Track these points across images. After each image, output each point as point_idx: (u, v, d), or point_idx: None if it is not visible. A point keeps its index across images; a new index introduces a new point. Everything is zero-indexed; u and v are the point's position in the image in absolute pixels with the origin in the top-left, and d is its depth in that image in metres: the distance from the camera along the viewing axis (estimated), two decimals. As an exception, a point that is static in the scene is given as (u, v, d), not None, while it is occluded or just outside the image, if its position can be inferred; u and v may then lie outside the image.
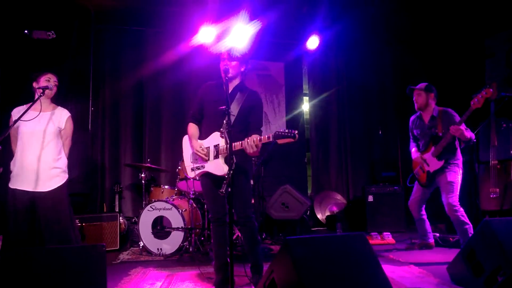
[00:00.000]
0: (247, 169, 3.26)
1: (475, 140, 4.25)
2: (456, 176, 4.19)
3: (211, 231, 3.38)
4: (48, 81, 3.39)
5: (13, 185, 3.31)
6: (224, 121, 2.79)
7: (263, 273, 3.13)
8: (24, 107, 3.33)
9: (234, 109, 3.15)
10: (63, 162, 3.49)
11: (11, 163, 3.37)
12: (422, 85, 4.39)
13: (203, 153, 3.15)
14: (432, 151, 4.26)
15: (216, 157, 3.11)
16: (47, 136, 3.36)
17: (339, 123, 7.08)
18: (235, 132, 3.03)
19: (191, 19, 5.92)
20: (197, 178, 3.37)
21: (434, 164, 4.26)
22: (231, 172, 2.69)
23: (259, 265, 3.29)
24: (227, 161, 2.97)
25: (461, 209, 4.10)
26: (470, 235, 3.99)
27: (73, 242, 3.39)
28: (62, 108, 3.57)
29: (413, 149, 4.58)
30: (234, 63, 3.21)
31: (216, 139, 3.11)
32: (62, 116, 3.49)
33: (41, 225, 3.29)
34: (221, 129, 2.94)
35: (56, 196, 3.35)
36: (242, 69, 3.29)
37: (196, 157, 3.26)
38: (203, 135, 3.29)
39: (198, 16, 5.83)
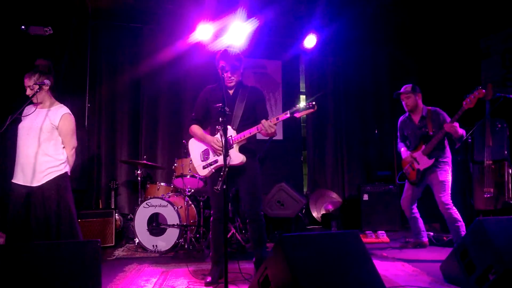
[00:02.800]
0: (255, 167, 3.44)
1: (469, 139, 4.26)
2: (447, 174, 4.26)
3: (210, 226, 3.45)
4: (30, 87, 3.33)
5: (14, 179, 3.34)
6: (220, 119, 2.83)
7: None
8: (30, 106, 3.37)
9: (240, 105, 3.36)
10: (58, 159, 3.39)
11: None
12: (408, 87, 4.44)
13: (219, 145, 3.25)
14: (423, 149, 4.32)
15: (230, 147, 3.25)
16: (42, 132, 3.33)
17: (336, 122, 7.11)
18: (245, 125, 3.29)
19: (188, 16, 5.92)
20: (208, 175, 3.43)
21: (424, 162, 4.32)
22: (226, 169, 2.72)
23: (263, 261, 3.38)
24: (242, 150, 3.26)
25: (454, 207, 4.18)
26: (462, 233, 4.06)
27: (61, 236, 3.32)
28: (62, 105, 3.49)
29: (403, 149, 4.64)
30: (235, 75, 3.39)
31: (228, 132, 3.24)
32: (57, 113, 3.41)
33: (35, 220, 3.27)
34: (217, 127, 2.97)
35: (45, 192, 3.29)
36: (242, 70, 3.47)
37: (207, 155, 3.38)
38: (210, 134, 3.43)
39: (195, 13, 5.83)
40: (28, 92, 3.31)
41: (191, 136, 3.56)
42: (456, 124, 4.04)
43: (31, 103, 3.36)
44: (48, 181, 3.32)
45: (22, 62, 4.94)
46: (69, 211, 3.37)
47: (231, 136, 3.26)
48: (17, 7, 5.15)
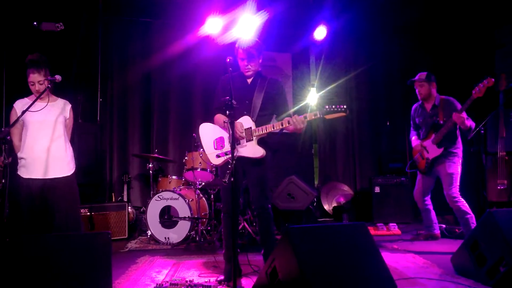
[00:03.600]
0: (264, 160, 3.22)
1: (482, 130, 4.18)
2: (456, 167, 4.21)
3: (222, 221, 3.35)
4: (33, 84, 3.34)
5: (25, 174, 3.32)
6: (227, 112, 2.77)
7: None
8: (27, 99, 3.39)
9: (259, 95, 3.23)
10: (71, 150, 3.55)
11: (19, 153, 3.37)
12: (423, 75, 4.37)
13: (241, 130, 3.13)
14: (433, 138, 4.28)
15: (249, 140, 3.14)
16: (57, 125, 3.41)
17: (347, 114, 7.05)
18: (262, 116, 3.19)
19: (198, 10, 5.93)
20: (221, 164, 3.26)
21: (433, 151, 4.28)
22: (234, 162, 2.71)
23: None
24: (261, 143, 3.12)
25: (462, 199, 4.14)
26: (472, 225, 4.03)
27: (81, 229, 3.48)
28: (62, 99, 3.58)
29: (413, 137, 4.62)
30: (253, 64, 3.24)
31: (247, 122, 3.14)
32: (66, 106, 3.54)
33: (52, 212, 3.34)
34: (224, 121, 2.95)
35: (67, 184, 3.41)
36: (260, 61, 3.32)
37: (222, 143, 3.22)
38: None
39: (205, 7, 5.84)
40: (38, 87, 3.33)
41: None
42: (464, 115, 3.99)
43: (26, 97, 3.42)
44: (73, 172, 3.47)
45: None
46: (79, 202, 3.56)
47: (250, 127, 3.14)
48: (28, 2, 5.21)
